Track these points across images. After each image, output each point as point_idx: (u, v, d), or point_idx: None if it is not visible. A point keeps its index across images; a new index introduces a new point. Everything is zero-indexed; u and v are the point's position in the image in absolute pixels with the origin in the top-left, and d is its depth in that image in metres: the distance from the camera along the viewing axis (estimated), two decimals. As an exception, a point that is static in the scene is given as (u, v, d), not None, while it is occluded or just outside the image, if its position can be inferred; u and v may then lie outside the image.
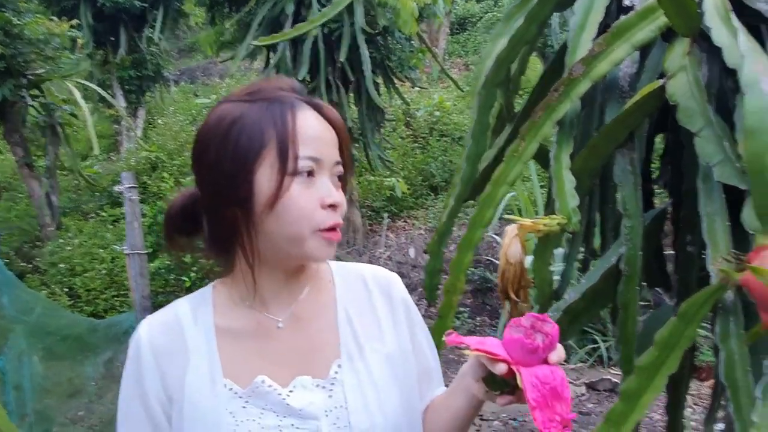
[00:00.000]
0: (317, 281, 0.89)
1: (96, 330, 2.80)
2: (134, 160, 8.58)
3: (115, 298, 5.63)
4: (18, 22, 6.01)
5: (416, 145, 8.44)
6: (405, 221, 6.90)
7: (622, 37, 1.08)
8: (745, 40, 0.89)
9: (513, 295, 1.14)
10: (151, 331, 0.83)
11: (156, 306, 5.13)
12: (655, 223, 1.24)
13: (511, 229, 1.16)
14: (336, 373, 0.81)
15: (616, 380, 3.73)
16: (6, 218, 7.99)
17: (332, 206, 0.77)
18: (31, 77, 6.50)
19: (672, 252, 1.38)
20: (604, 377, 3.78)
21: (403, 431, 0.81)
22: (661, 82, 1.04)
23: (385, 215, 6.54)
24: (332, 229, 0.77)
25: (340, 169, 0.82)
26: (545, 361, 0.69)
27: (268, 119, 0.76)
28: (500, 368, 0.67)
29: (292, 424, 0.76)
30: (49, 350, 2.59)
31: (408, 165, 7.70)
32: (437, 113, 8.81)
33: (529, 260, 1.18)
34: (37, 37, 6.18)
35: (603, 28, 1.29)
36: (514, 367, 0.67)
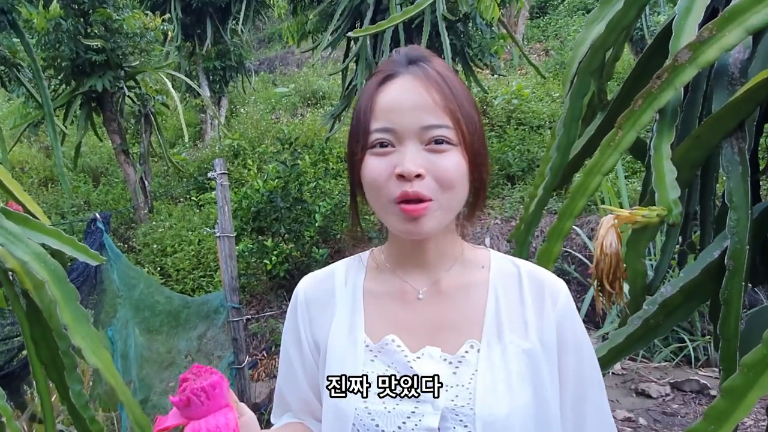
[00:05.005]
0: (470, 261, 0.88)
1: (189, 307, 3.00)
2: (218, 148, 9.00)
3: (202, 278, 5.95)
4: (117, 18, 6.43)
5: (493, 133, 8.29)
6: (480, 210, 6.80)
7: (735, 21, 1.03)
8: None
9: (608, 287, 1.12)
10: (307, 285, 0.91)
11: (241, 286, 5.38)
12: (763, 216, 1.18)
13: (607, 220, 1.14)
14: (466, 352, 0.79)
15: (704, 381, 3.55)
16: (104, 201, 8.61)
17: (401, 176, 0.74)
18: (127, 69, 6.94)
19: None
20: (692, 378, 3.61)
21: (521, 429, 0.76)
22: (777, 68, 0.99)
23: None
24: (406, 201, 0.74)
25: (438, 132, 0.76)
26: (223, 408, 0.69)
27: (361, 98, 0.81)
28: None
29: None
30: (148, 324, 2.80)
31: (484, 154, 7.56)
32: (515, 101, 8.61)
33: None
34: (133, 31, 6.59)
35: (710, 12, 1.24)
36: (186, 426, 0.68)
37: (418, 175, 0.74)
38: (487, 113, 8.81)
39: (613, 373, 3.83)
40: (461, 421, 0.75)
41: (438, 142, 0.76)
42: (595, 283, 1.13)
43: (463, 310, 0.84)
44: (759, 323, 1.19)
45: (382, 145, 0.77)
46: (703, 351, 4.12)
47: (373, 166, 0.77)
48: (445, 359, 0.79)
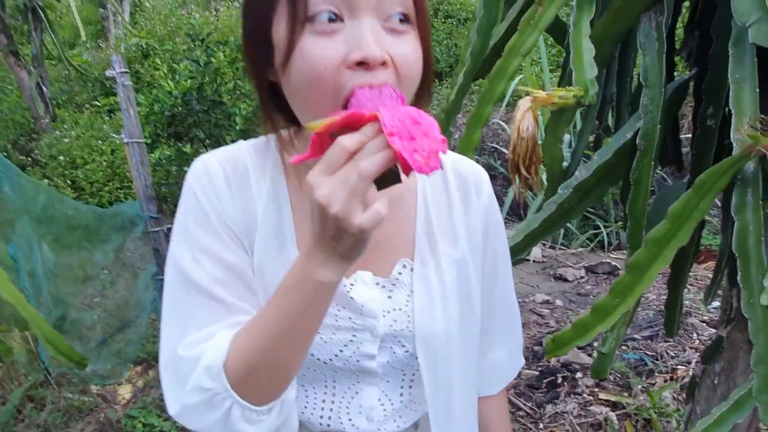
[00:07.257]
0: None
1: (102, 218, 2.81)
2: (123, 48, 8.22)
3: (119, 190, 5.63)
4: None
5: (419, 28, 8.01)
6: (426, 106, 6.71)
7: None
8: None
9: (524, 171, 1.11)
10: (219, 159, 0.70)
11: (160, 196, 5.14)
12: (676, 95, 1.18)
13: (524, 102, 1.11)
14: (399, 273, 0.72)
15: (615, 263, 3.82)
16: (-2, 110, 7.81)
17: (362, 64, 0.54)
18: (5, -45, 6.05)
19: (687, 136, 1.32)
20: (604, 261, 3.87)
21: (454, 338, 0.72)
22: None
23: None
24: None
25: (400, 8, 0.57)
26: None
27: None
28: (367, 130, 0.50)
29: (350, 317, 0.70)
30: (57, 239, 2.61)
31: (410, 50, 7.36)
32: (443, -8, 8.31)
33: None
34: None
35: None
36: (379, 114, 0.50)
37: (383, 63, 0.55)
38: (413, 6, 8.46)
39: (534, 261, 4.04)
40: (399, 341, 0.72)
41: (402, 20, 0.57)
42: (512, 168, 1.11)
43: (393, 225, 0.73)
44: (665, 203, 1.22)
45: (336, 19, 0.55)
46: (616, 236, 4.41)
47: (315, 48, 0.55)
48: (377, 283, 0.71)
